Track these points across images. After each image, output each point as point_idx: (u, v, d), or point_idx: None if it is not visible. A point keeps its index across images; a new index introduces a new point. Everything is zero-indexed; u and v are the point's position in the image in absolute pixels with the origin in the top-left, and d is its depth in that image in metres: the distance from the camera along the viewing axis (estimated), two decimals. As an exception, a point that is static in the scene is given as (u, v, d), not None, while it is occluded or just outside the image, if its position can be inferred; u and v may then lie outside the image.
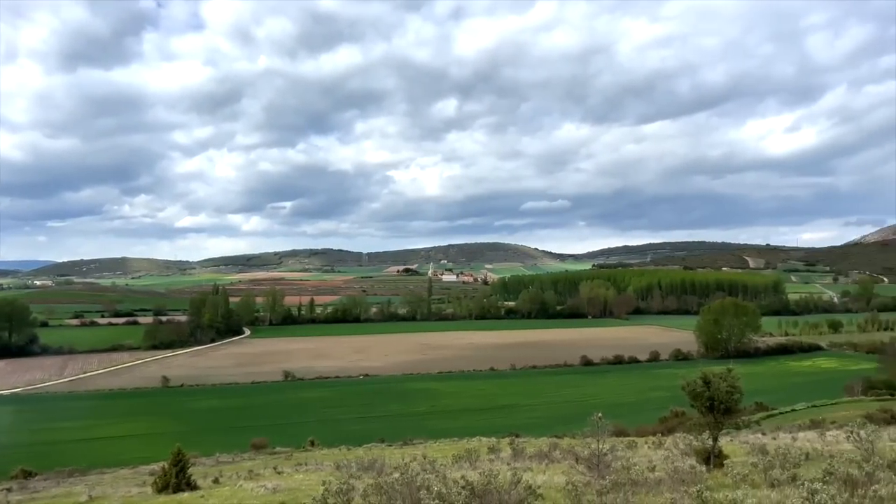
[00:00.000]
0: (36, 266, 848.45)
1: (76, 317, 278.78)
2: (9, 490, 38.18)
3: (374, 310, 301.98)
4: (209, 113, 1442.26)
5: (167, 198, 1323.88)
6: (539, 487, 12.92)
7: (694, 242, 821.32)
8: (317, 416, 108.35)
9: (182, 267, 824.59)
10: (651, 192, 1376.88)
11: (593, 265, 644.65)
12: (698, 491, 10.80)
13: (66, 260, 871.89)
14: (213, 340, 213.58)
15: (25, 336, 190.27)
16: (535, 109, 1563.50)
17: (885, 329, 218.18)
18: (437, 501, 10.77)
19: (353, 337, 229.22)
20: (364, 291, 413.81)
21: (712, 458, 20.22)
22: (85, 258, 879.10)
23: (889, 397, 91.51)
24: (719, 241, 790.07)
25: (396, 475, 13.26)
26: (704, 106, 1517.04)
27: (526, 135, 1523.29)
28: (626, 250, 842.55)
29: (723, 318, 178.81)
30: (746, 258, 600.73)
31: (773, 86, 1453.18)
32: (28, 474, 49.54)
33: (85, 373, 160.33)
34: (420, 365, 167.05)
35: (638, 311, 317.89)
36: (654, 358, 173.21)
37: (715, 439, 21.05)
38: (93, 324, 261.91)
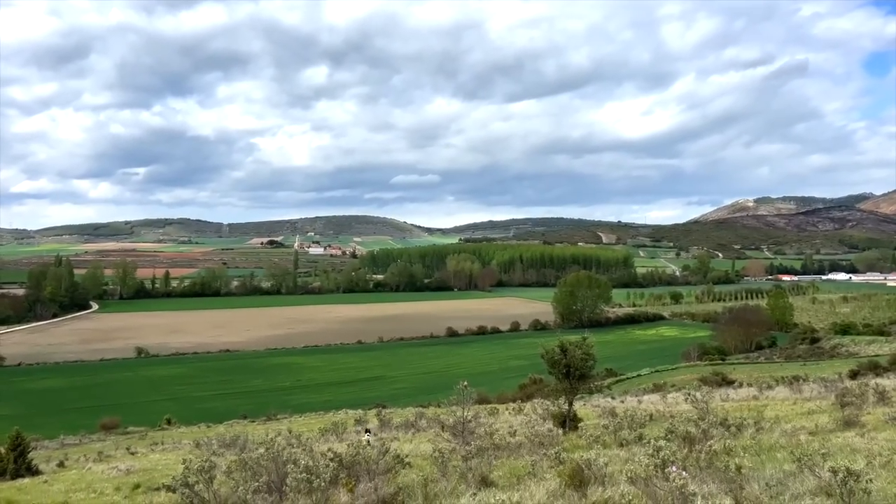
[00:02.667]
0: None
1: None
2: None
3: (235, 283, 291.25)
4: (52, 68, 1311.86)
5: (2, 160, 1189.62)
6: (407, 456, 13.15)
7: (553, 219, 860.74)
8: (173, 394, 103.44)
9: (19, 236, 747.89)
10: (516, 169, 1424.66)
11: (460, 239, 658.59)
12: (556, 452, 11.46)
13: None
14: (55, 315, 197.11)
15: None
16: (407, 82, 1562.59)
17: (719, 300, 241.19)
18: (304, 475, 10.65)
19: (212, 311, 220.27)
20: (225, 264, 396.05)
21: (568, 422, 21.49)
22: None
23: (720, 362, 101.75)
24: (576, 217, 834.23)
25: (261, 451, 12.96)
26: (568, 87, 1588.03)
27: (398, 107, 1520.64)
28: (492, 225, 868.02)
29: (578, 290, 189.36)
30: (600, 234, 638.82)
31: (631, 71, 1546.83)
32: None
33: None
34: (285, 339, 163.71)
35: (501, 284, 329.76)
36: (515, 328, 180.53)
37: (570, 404, 22.35)
38: None
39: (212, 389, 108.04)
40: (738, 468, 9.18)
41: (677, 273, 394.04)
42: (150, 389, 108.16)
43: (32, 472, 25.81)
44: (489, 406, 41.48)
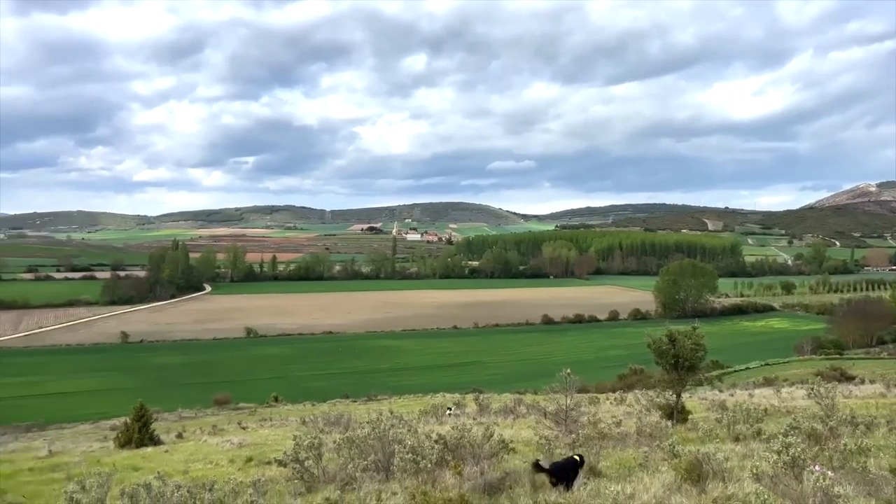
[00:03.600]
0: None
1: (30, 271, 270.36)
2: (-36, 445, 37.32)
3: (337, 268, 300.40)
4: (170, 63, 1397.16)
5: (126, 150, 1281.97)
6: (511, 441, 12.98)
7: (655, 204, 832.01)
8: (279, 373, 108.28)
9: (141, 222, 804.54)
10: (616, 153, 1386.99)
11: (556, 226, 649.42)
12: (670, 444, 10.95)
13: (18, 212, 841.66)
14: (172, 296, 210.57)
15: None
16: (505, 67, 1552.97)
17: (835, 291, 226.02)
18: (410, 455, 10.70)
19: (315, 294, 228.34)
20: (327, 249, 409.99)
21: (675, 414, 20.64)
22: (39, 211, 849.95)
23: (837, 356, 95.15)
24: (680, 203, 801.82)
25: (368, 429, 13.15)
26: (673, 68, 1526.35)
27: (495, 93, 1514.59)
28: (590, 211, 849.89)
29: (681, 279, 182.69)
30: (706, 220, 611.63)
31: (742, 49, 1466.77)
32: (-17, 429, 48.46)
33: (41, 328, 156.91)
34: (383, 323, 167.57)
35: (599, 272, 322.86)
36: (614, 317, 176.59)
37: (678, 395, 21.45)
38: (48, 278, 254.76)
39: (315, 369, 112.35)
40: (893, 470, 8.37)
41: (789, 262, 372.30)
42: (258, 368, 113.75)
43: (155, 441, 27.45)
44: (588, 395, 40.67)
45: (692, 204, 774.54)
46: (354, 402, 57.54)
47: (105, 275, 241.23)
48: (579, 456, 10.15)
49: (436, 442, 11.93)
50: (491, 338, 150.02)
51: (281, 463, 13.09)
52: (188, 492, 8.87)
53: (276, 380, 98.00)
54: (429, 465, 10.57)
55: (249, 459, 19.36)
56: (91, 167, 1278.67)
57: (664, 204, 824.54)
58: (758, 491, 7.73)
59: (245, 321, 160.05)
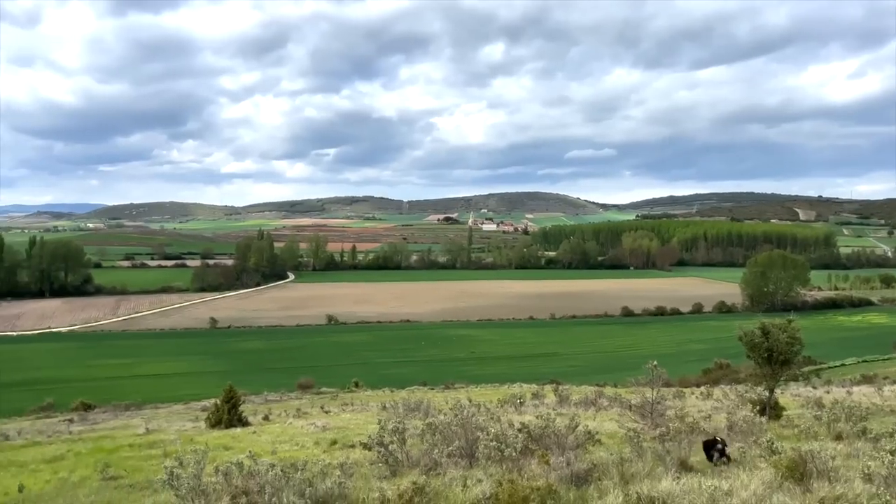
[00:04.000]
0: (88, 209, 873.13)
1: (127, 259, 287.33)
2: (70, 421, 40.03)
3: (414, 257, 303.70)
4: (255, 58, 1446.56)
5: (214, 143, 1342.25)
6: (597, 433, 12.71)
7: (743, 193, 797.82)
8: (359, 359, 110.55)
9: (229, 212, 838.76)
10: (701, 140, 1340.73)
11: (637, 215, 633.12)
12: (768, 441, 10.42)
13: (116, 203, 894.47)
14: (258, 284, 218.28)
15: (80, 276, 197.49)
16: (585, 54, 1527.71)
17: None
18: (494, 443, 10.63)
19: (393, 284, 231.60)
20: (405, 239, 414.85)
21: (768, 410, 19.75)
22: (135, 202, 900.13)
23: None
24: (769, 192, 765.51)
25: (450, 416, 13.17)
26: (763, 50, 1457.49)
27: (574, 80, 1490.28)
28: (672, 201, 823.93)
29: (770, 271, 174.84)
30: (797, 210, 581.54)
31: (839, 29, 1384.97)
32: (87, 407, 51.72)
33: (137, 313, 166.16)
34: (459, 312, 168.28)
35: (682, 263, 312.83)
36: (697, 310, 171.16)
37: (771, 391, 20.55)
38: (143, 266, 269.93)
39: (393, 356, 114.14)
40: None
41: (889, 254, 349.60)
42: (339, 354, 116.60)
43: (243, 423, 28.51)
44: (672, 389, 39.50)
45: (782, 193, 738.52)
46: (432, 389, 58.05)
47: (195, 263, 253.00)
48: (721, 440, 11.90)
49: (519, 431, 11.82)
50: (568, 329, 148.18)
51: (366, 446, 13.30)
52: (281, 471, 9.10)
53: (357, 366, 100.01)
54: (513, 454, 10.47)
55: (334, 442, 19.82)
56: (182, 160, 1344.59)
57: (752, 193, 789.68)
58: (875, 492, 7.22)
59: (326, 309, 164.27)
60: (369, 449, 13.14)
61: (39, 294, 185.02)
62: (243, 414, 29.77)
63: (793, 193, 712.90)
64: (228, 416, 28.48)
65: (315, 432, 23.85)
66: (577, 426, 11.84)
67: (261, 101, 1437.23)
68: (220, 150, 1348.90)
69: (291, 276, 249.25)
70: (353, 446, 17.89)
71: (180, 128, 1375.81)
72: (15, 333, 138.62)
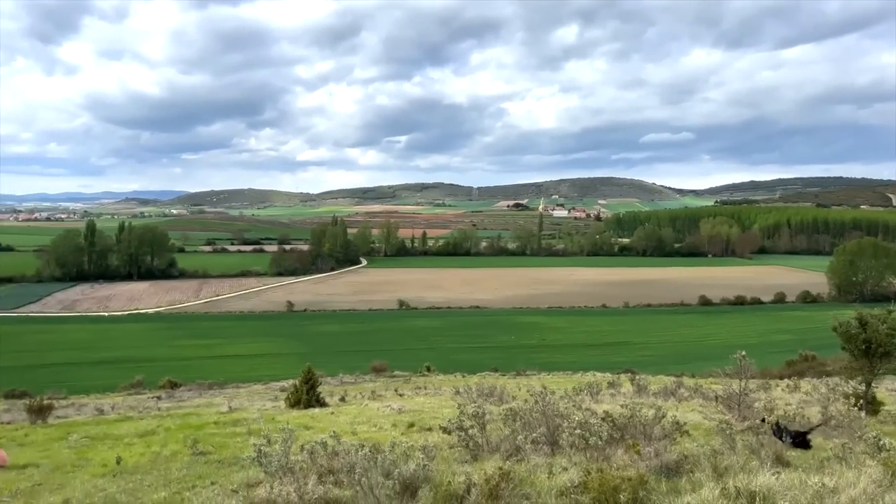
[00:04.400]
0: (172, 196, 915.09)
1: (209, 244, 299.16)
2: (159, 398, 42.25)
3: (484, 244, 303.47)
4: (330, 47, 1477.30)
5: (290, 132, 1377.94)
6: (685, 424, 12.31)
7: (829, 178, 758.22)
8: (430, 344, 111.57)
9: (304, 199, 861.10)
10: (786, 123, 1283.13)
11: (716, 201, 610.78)
12: (875, 437, 9.81)
13: (198, 190, 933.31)
14: (332, 269, 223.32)
15: (165, 260, 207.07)
16: (662, 35, 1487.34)
17: None
18: (579, 431, 10.42)
19: (463, 270, 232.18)
20: (474, 225, 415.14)
21: (865, 405, 18.68)
22: (215, 189, 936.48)
23: None
24: (859, 176, 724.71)
25: (531, 402, 13.02)
26: (855, 27, 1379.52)
27: (651, 62, 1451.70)
28: (753, 186, 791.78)
29: (859, 260, 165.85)
30: (890, 195, 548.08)
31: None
32: (174, 385, 54.40)
33: (218, 296, 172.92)
34: (530, 299, 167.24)
35: (763, 251, 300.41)
36: (780, 300, 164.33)
37: (868, 385, 19.46)
38: (223, 251, 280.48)
39: (464, 342, 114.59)
40: None
41: None
42: (410, 338, 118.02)
43: (321, 403, 29.20)
44: (757, 381, 37.99)
45: (873, 177, 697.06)
46: (503, 375, 57.95)
47: (272, 248, 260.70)
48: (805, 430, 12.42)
49: (602, 419, 11.57)
50: (643, 318, 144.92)
51: (445, 430, 13.31)
52: (370, 450, 9.21)
53: (428, 350, 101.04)
54: (599, 443, 10.24)
55: (411, 425, 20.00)
56: (259, 148, 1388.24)
57: (840, 177, 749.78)
58: None
59: (397, 294, 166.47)
60: (448, 433, 13.15)
61: (128, 277, 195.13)
62: (321, 395, 30.48)
63: (885, 178, 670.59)
64: (307, 396, 29.21)
65: (391, 414, 24.16)
66: (664, 416, 11.48)
67: (334, 90, 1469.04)
68: (295, 138, 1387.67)
69: (364, 262, 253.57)
70: (430, 429, 18.01)
71: (258, 117, 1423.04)
72: (107, 314, 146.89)
